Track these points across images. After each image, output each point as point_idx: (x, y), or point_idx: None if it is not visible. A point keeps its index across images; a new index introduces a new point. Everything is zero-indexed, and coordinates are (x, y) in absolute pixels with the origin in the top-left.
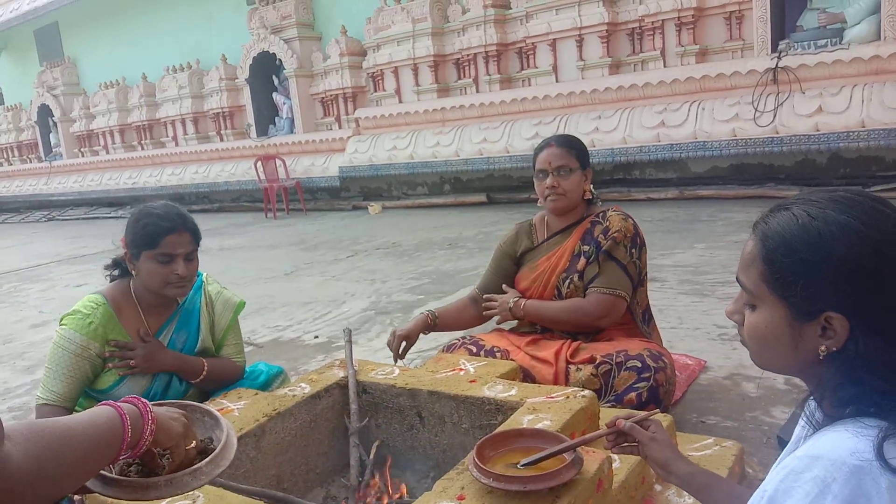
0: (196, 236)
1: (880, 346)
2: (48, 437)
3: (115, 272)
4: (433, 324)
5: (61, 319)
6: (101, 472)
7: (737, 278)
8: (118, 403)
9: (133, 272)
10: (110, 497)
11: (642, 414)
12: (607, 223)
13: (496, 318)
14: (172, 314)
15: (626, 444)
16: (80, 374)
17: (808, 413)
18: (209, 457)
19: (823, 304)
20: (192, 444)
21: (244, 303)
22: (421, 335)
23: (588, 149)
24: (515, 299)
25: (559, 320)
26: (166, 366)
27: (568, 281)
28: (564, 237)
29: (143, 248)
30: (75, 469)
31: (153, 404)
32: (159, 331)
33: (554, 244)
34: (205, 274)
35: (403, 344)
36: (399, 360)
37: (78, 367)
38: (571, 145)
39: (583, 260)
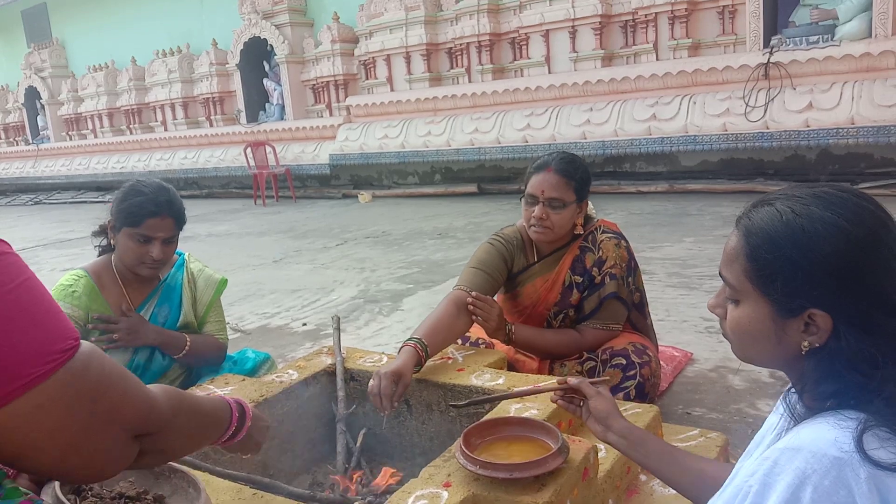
0: (179, 222)
1: (862, 343)
2: (181, 396)
3: (103, 241)
4: (424, 355)
5: None
6: (61, 498)
7: (719, 273)
8: (230, 399)
9: (112, 242)
10: None
11: (596, 379)
12: (600, 253)
13: None
14: (154, 290)
15: (572, 398)
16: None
17: (789, 404)
18: None
19: (807, 301)
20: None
21: (226, 280)
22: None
23: (587, 169)
24: (509, 325)
25: (551, 352)
26: (149, 340)
27: (561, 315)
28: (554, 262)
29: (124, 224)
30: (196, 431)
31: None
32: (141, 306)
33: (544, 269)
34: (186, 253)
35: (394, 387)
36: (389, 410)
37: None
38: (572, 175)
39: (576, 293)
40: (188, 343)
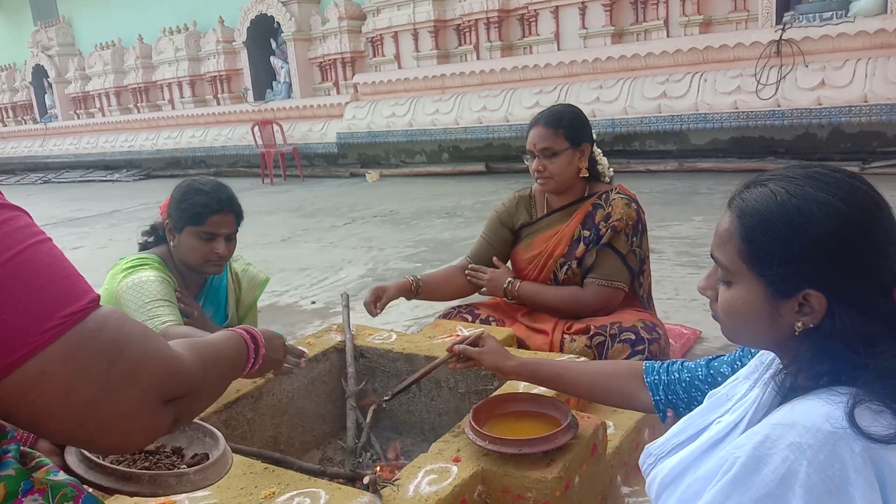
0: (239, 217)
1: (856, 322)
2: (203, 349)
3: (150, 239)
4: (416, 290)
5: (118, 278)
6: (87, 454)
7: (711, 254)
8: (240, 331)
9: (172, 243)
10: (91, 481)
11: (471, 336)
12: (609, 209)
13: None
14: (202, 290)
15: (468, 362)
16: (174, 298)
17: (778, 382)
18: (200, 465)
19: (802, 282)
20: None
21: (268, 279)
22: (404, 300)
23: (587, 120)
24: (511, 279)
25: (555, 308)
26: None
27: (566, 267)
28: (564, 217)
29: (187, 223)
30: (222, 381)
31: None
32: None
33: (553, 223)
34: None
35: (375, 298)
36: (375, 315)
37: (170, 292)
38: (559, 124)
39: (582, 246)
40: None
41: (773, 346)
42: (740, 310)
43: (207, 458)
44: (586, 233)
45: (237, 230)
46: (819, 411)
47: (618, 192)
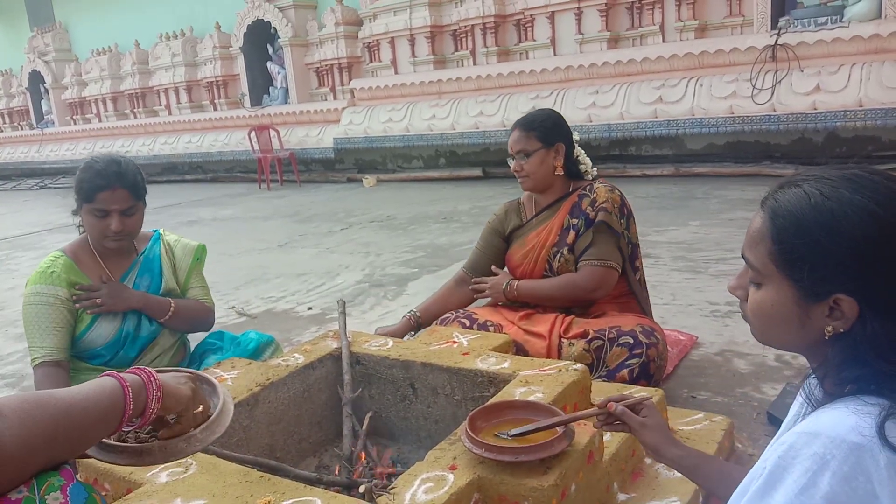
0: (135, 192)
1: (888, 329)
2: (42, 417)
3: (79, 220)
4: (416, 322)
5: (26, 284)
6: None
7: (742, 254)
8: (122, 375)
9: (81, 222)
10: (106, 462)
11: (635, 398)
12: (594, 195)
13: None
14: (133, 262)
15: (616, 423)
16: (62, 322)
17: (806, 391)
18: (204, 424)
19: (833, 286)
20: (200, 409)
21: (204, 246)
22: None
23: (563, 122)
24: (508, 281)
25: (553, 297)
26: (132, 303)
27: (558, 255)
28: (552, 213)
29: (82, 201)
30: (71, 444)
31: (158, 370)
32: (122, 277)
33: (542, 220)
34: (161, 229)
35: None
36: None
37: (56, 315)
38: (531, 126)
39: (572, 233)
40: (172, 305)
41: (802, 349)
42: (769, 312)
43: (207, 409)
44: (575, 220)
45: (135, 205)
46: (845, 422)
47: (600, 183)
